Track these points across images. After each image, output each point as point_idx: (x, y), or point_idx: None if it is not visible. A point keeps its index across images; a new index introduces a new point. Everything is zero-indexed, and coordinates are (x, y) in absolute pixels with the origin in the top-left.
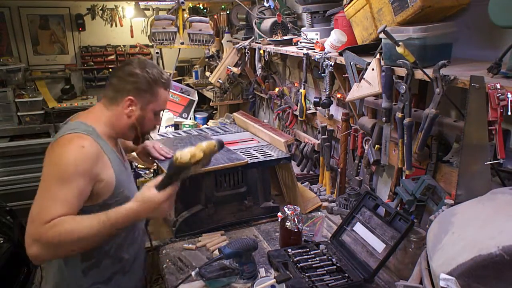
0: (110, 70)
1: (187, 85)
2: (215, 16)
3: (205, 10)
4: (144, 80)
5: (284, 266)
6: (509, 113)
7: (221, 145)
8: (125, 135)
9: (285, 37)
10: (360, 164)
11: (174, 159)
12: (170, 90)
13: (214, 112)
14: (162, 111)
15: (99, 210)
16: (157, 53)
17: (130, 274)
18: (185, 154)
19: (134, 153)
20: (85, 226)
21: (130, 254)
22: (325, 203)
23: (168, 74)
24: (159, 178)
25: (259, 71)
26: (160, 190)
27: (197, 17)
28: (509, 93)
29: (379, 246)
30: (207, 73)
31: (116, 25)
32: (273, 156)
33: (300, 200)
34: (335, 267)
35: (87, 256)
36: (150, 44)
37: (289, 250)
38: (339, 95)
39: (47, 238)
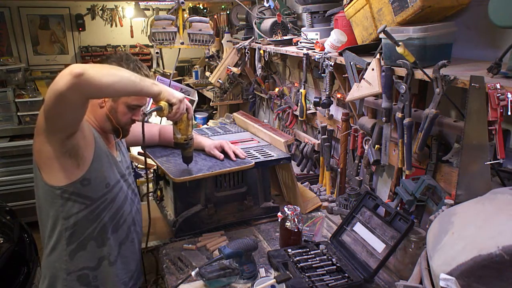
0: None
1: (187, 85)
2: (215, 16)
3: (205, 10)
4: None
5: (284, 266)
6: (509, 113)
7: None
8: (103, 126)
9: (285, 37)
10: (360, 164)
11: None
12: None
13: (214, 112)
14: (141, 107)
15: (79, 189)
16: (157, 53)
17: (118, 264)
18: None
19: (133, 154)
20: (115, 69)
21: (115, 240)
22: (325, 203)
23: (169, 74)
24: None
25: (259, 71)
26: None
27: (197, 17)
28: (509, 93)
29: (379, 246)
30: (207, 73)
31: (116, 25)
32: (273, 156)
33: (300, 200)
34: (335, 267)
35: (71, 239)
36: (150, 44)
37: (289, 250)
38: (339, 95)
39: (88, 74)
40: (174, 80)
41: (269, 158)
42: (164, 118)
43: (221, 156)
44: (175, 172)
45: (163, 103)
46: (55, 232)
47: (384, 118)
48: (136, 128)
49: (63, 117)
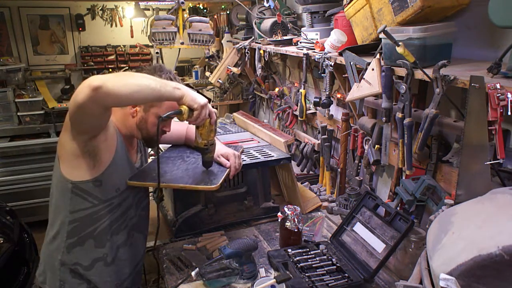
0: (110, 70)
1: (187, 85)
2: (215, 16)
3: (205, 10)
4: None
5: (284, 266)
6: (509, 113)
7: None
8: (133, 134)
9: (285, 37)
10: (360, 164)
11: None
12: None
13: None
14: (171, 119)
15: (90, 188)
16: (157, 53)
17: (114, 266)
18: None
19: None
20: (136, 76)
21: (113, 242)
22: (325, 203)
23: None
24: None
25: (259, 71)
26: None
27: (197, 17)
28: (509, 93)
29: (379, 246)
30: (207, 73)
31: (116, 25)
32: (273, 156)
33: (300, 200)
34: (335, 267)
35: (72, 232)
36: (150, 44)
37: (289, 250)
38: (339, 95)
39: (107, 87)
40: None
41: (269, 158)
42: None
43: (227, 163)
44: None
45: (183, 107)
46: (58, 222)
47: (384, 118)
48: (175, 126)
49: (85, 123)
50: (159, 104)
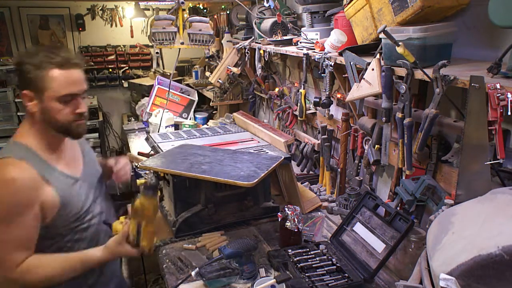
0: (110, 70)
1: (187, 85)
2: (215, 16)
3: (205, 10)
4: (28, 68)
5: (284, 266)
6: (509, 113)
7: (153, 188)
8: (54, 136)
9: (285, 37)
10: (360, 164)
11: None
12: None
13: (214, 112)
14: (76, 95)
15: (45, 232)
16: (157, 53)
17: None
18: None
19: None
20: (57, 270)
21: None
22: (325, 203)
23: (169, 74)
24: (130, 231)
25: (259, 71)
26: (133, 247)
27: (197, 17)
28: (509, 93)
29: (379, 246)
30: (207, 73)
31: (116, 25)
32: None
33: (300, 200)
34: (335, 267)
35: None
36: (150, 44)
37: (289, 250)
38: (339, 95)
39: (24, 282)
40: (174, 80)
41: None
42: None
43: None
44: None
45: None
46: None
47: (384, 118)
48: None
49: None
50: (48, 85)
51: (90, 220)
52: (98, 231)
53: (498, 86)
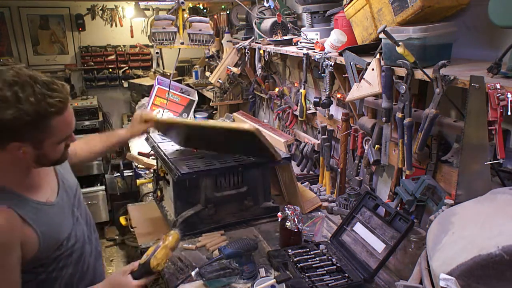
0: (110, 70)
1: (187, 85)
2: (215, 16)
3: (205, 10)
4: (19, 120)
5: (284, 266)
6: (509, 113)
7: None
8: (32, 168)
9: (285, 37)
10: (360, 164)
11: (151, 266)
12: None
13: (214, 112)
14: (71, 133)
15: (27, 267)
16: (157, 53)
17: None
18: (160, 260)
19: (133, 154)
20: None
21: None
22: (325, 203)
23: (169, 74)
24: (135, 264)
25: (259, 71)
26: (135, 278)
27: (197, 17)
28: (509, 93)
29: (379, 246)
30: (207, 73)
31: (116, 25)
32: None
33: (300, 200)
34: (335, 267)
35: None
36: (150, 44)
37: (289, 250)
38: (339, 95)
39: None
40: (174, 80)
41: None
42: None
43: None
44: None
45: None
46: None
47: (384, 118)
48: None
49: None
50: (49, 135)
51: (73, 245)
52: (83, 252)
53: (498, 86)
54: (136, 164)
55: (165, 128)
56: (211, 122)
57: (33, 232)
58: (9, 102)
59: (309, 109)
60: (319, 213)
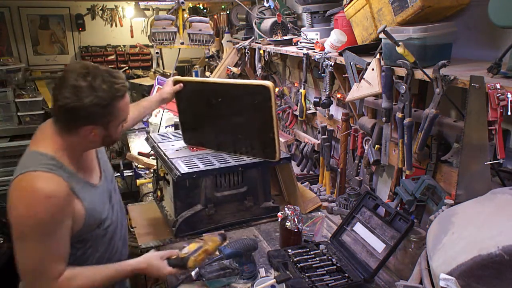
0: None
1: None
2: (215, 16)
3: (205, 10)
4: (97, 106)
5: (284, 266)
6: (509, 113)
7: (224, 238)
8: (86, 154)
9: (285, 37)
10: (360, 164)
11: (189, 264)
12: None
13: None
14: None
15: (74, 242)
16: (157, 53)
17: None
18: (198, 263)
19: (133, 154)
20: (94, 279)
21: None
22: (325, 203)
23: (169, 74)
24: (174, 253)
25: (259, 71)
26: (170, 265)
27: (197, 17)
28: (509, 93)
29: (379, 246)
30: (207, 73)
31: (116, 25)
32: None
33: (300, 200)
34: (335, 267)
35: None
36: (150, 44)
37: (289, 250)
38: (339, 95)
39: None
40: None
41: None
42: (164, 117)
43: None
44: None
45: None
46: None
47: (384, 118)
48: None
49: None
50: (114, 117)
51: (108, 227)
52: (114, 236)
53: (498, 86)
54: (136, 164)
55: (191, 90)
56: (230, 80)
57: (82, 207)
58: (86, 91)
59: (309, 109)
60: (319, 213)
